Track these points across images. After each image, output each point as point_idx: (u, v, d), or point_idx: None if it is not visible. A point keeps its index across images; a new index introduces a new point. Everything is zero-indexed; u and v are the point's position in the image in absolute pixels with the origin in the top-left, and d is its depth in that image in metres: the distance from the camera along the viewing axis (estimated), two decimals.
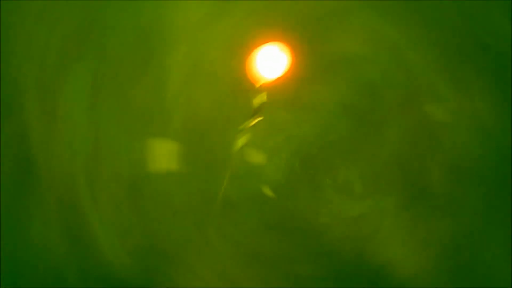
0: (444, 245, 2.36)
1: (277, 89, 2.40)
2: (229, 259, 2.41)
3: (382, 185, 2.40)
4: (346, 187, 2.41)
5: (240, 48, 2.40)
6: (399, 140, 2.39)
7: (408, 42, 2.39)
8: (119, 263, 2.38)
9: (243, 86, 2.41)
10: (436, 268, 2.34)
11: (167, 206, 2.43)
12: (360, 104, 2.42)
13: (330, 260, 2.38)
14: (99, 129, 2.42)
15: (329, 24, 2.40)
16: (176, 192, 2.43)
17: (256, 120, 2.38)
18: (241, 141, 2.38)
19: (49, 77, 2.40)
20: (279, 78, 2.37)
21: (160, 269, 2.41)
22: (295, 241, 2.41)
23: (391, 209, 2.38)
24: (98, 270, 2.39)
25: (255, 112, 2.38)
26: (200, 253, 2.41)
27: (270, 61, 2.37)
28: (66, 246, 2.41)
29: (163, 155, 2.44)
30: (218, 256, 2.41)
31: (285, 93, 2.42)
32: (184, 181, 2.43)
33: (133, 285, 2.38)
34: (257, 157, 2.45)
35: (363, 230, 2.39)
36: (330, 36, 2.39)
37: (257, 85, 2.35)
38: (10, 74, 2.40)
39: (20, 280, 2.37)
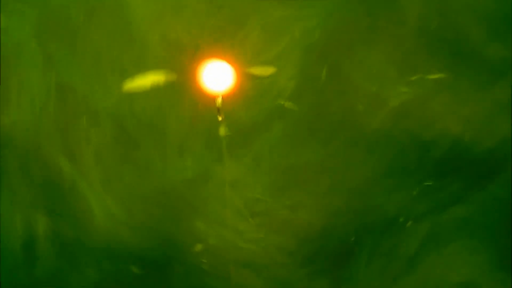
0: None
1: None
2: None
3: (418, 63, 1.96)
4: (377, 73, 1.97)
5: None
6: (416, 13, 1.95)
7: None
8: (107, 215, 1.98)
9: None
10: None
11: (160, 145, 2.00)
12: None
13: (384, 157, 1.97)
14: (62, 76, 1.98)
15: None
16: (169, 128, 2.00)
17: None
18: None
19: None
20: None
21: (151, 221, 2.00)
22: (326, 152, 1.99)
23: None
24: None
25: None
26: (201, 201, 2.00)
27: None
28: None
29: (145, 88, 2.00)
30: (224, 203, 2.00)
31: None
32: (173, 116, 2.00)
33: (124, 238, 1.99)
34: (265, 70, 2.02)
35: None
36: None
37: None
38: None
39: None
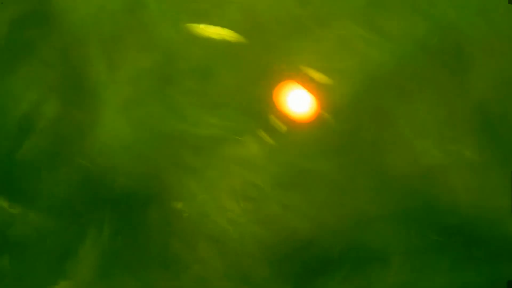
0: None
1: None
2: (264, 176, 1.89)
3: (461, 134, 1.89)
4: (421, 127, 1.91)
5: None
6: (481, 87, 1.92)
7: None
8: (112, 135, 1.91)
9: None
10: None
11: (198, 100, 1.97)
12: (438, 44, 1.98)
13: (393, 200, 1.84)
14: None
15: None
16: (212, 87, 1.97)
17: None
18: None
19: None
20: None
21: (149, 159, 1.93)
22: (344, 173, 1.88)
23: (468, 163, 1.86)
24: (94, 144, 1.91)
25: None
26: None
27: None
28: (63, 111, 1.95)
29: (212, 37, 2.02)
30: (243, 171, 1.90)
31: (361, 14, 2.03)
32: (224, 79, 1.98)
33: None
34: (321, 78, 2.00)
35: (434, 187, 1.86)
36: None
37: None
38: None
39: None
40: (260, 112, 1.97)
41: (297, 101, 2.01)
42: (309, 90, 1.99)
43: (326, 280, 1.80)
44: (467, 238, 1.81)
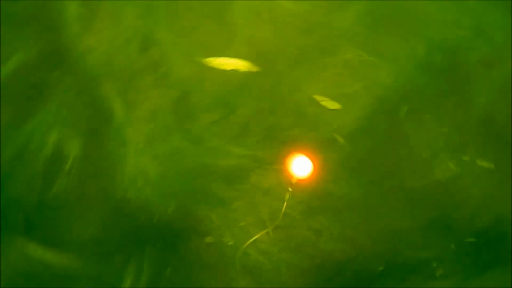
0: None
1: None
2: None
3: (471, 145, 2.00)
4: (432, 142, 2.01)
5: None
6: (484, 99, 2.05)
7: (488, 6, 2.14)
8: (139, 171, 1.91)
9: None
10: None
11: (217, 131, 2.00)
12: (440, 62, 2.09)
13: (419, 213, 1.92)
14: (151, 30, 2.05)
15: None
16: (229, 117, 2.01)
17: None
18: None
19: None
20: None
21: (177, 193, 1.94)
22: (367, 192, 1.95)
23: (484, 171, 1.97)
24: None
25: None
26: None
27: None
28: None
29: (226, 68, 2.05)
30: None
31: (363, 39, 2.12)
32: (240, 111, 2.02)
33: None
34: (331, 104, 2.07)
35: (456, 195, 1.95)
36: None
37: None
38: None
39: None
40: (279, 139, 2.03)
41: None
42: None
43: None
44: (496, 239, 1.92)
